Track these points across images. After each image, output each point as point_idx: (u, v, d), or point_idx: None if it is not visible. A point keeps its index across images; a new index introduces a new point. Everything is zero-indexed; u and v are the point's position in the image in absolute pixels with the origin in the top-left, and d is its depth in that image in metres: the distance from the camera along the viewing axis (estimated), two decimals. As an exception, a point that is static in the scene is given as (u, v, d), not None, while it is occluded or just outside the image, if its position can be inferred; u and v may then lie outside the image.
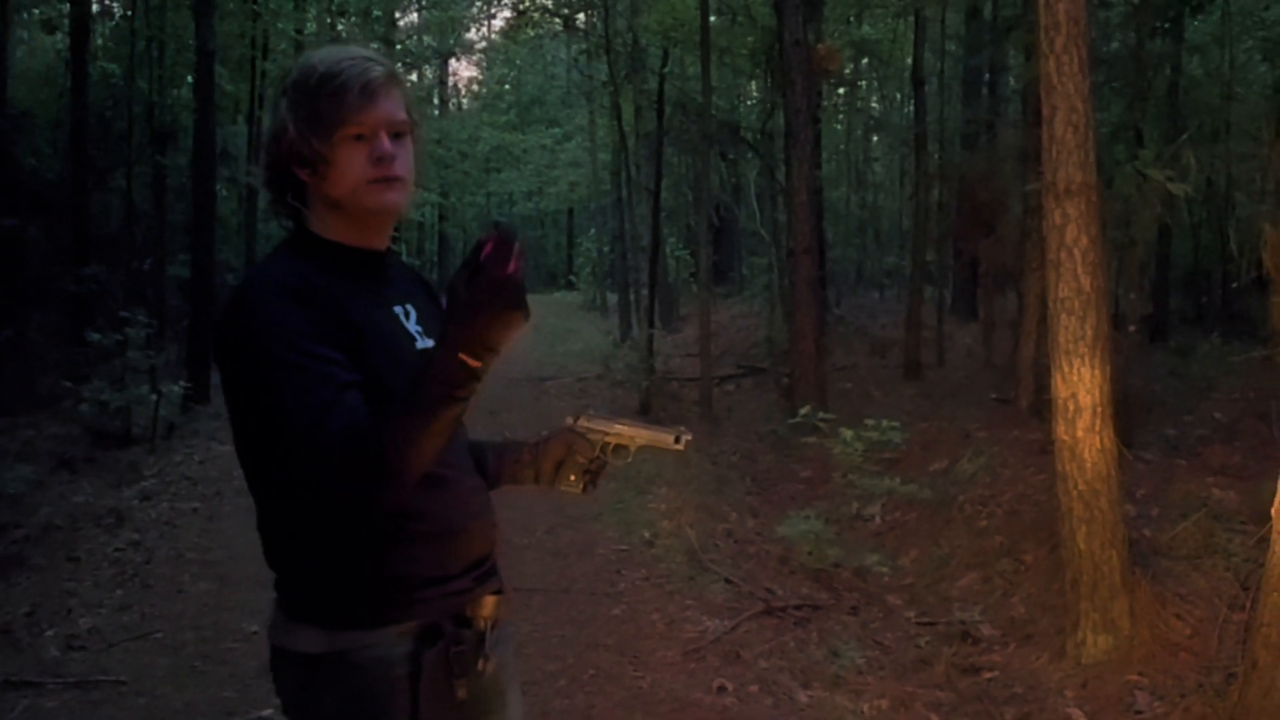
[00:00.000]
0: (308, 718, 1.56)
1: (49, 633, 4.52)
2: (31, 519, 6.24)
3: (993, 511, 5.79)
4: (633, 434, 1.71)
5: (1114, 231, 6.60)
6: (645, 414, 9.04)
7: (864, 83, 17.39)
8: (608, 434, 1.71)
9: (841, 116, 16.86)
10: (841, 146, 18.24)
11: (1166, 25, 8.68)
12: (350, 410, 1.36)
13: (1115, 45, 8.83)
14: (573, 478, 1.74)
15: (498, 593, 1.66)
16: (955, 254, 12.06)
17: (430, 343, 1.60)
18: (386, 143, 1.51)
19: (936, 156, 11.32)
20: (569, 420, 1.78)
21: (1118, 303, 7.34)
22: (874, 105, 19.68)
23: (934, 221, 11.63)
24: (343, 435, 1.33)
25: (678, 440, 1.71)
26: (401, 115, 1.54)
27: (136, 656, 4.29)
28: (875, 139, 18.87)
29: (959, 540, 5.61)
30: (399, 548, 1.52)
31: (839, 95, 13.75)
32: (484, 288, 1.31)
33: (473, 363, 1.32)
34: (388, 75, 1.53)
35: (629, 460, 1.75)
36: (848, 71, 12.56)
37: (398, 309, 1.61)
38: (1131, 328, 6.43)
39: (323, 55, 1.54)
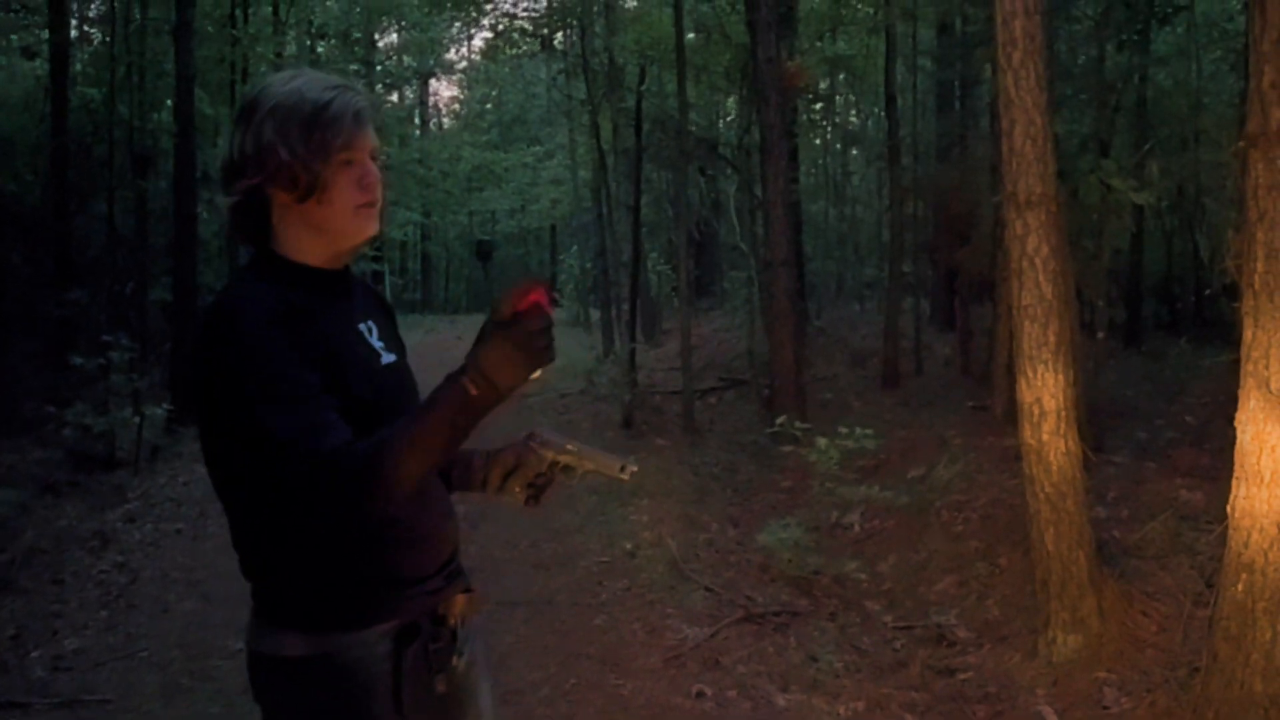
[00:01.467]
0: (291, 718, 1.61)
1: (35, 654, 4.56)
2: (15, 543, 6.25)
3: (968, 516, 5.89)
4: (581, 457, 1.74)
5: (1085, 240, 6.75)
6: (628, 428, 9.12)
7: (840, 98, 17.59)
8: (558, 453, 1.74)
9: (819, 131, 17.02)
10: (820, 161, 18.42)
11: (1134, 38, 8.87)
12: (340, 432, 1.43)
13: (1083, 59, 9.00)
14: (517, 489, 1.77)
15: (467, 590, 1.74)
16: (932, 265, 12.21)
17: (393, 357, 1.70)
18: (374, 168, 1.60)
19: (912, 170, 11.47)
20: (522, 435, 1.81)
21: (1090, 310, 7.50)
22: (852, 120, 19.89)
23: (911, 233, 11.79)
24: (337, 455, 1.39)
25: (623, 470, 1.73)
26: (378, 142, 1.62)
27: (123, 675, 4.33)
28: (854, 152, 19.06)
29: (936, 545, 5.71)
30: (381, 552, 1.58)
31: (815, 110, 13.89)
32: (518, 339, 1.41)
33: (487, 401, 1.41)
34: (369, 103, 1.62)
35: (575, 481, 1.79)
36: (823, 87, 12.73)
37: (361, 326, 1.68)
38: (1100, 334, 6.56)
39: (304, 81, 1.59)
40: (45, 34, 11.70)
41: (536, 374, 1.45)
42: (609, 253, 11.79)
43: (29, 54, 13.29)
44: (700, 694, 3.93)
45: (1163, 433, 7.02)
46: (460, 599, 1.71)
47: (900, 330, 10.77)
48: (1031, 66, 3.99)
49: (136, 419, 8.62)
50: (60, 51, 10.99)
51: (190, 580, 5.60)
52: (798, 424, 6.15)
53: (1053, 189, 4.03)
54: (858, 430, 5.65)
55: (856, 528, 6.41)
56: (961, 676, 4.16)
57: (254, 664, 1.63)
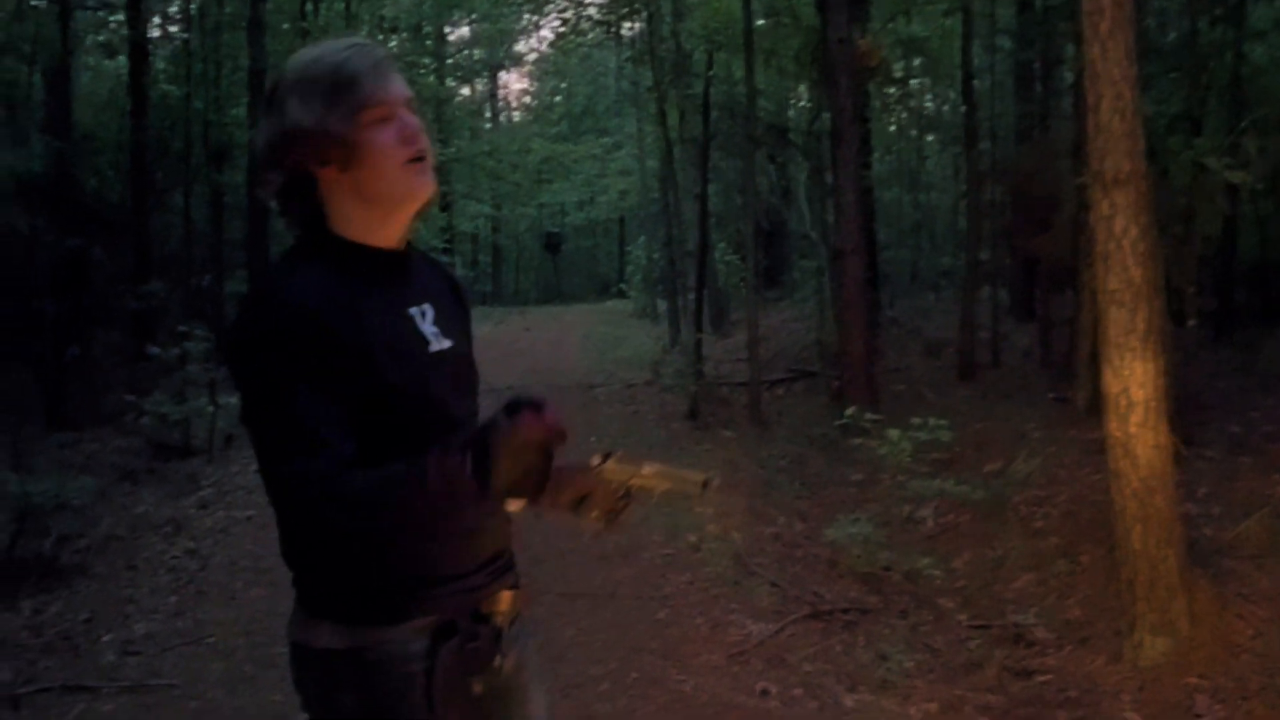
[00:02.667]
0: (327, 712, 1.57)
1: (106, 638, 4.63)
2: (94, 529, 6.40)
3: (1048, 512, 5.67)
4: (658, 479, 1.61)
5: (1175, 225, 6.44)
6: (693, 419, 8.99)
7: (915, 82, 17.19)
8: (633, 477, 1.61)
9: (893, 117, 16.66)
10: (894, 147, 18.03)
11: (1228, 11, 8.45)
12: (330, 455, 1.35)
13: (1173, 35, 8.61)
14: (594, 515, 1.64)
15: (514, 588, 1.66)
16: (1011, 252, 11.84)
17: (448, 344, 1.60)
18: (413, 119, 1.50)
19: (990, 153, 11.13)
20: (594, 460, 1.65)
21: (1178, 297, 7.16)
22: (927, 104, 19.44)
23: (988, 220, 11.43)
24: (310, 478, 1.34)
25: (705, 485, 1.61)
26: (411, 92, 1.53)
27: (189, 661, 4.37)
28: (930, 138, 18.62)
29: (1013, 542, 5.50)
30: (415, 547, 1.51)
31: (889, 94, 13.57)
32: (536, 439, 1.32)
33: (482, 490, 1.30)
34: (389, 56, 1.54)
35: (653, 501, 1.64)
36: (898, 70, 12.41)
37: (414, 310, 1.58)
38: (1191, 322, 6.24)
39: (318, 51, 1.52)
40: (126, 32, 11.97)
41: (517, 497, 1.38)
42: (675, 242, 11.66)
43: (110, 52, 13.63)
44: (764, 692, 3.81)
45: (1258, 426, 6.67)
46: (505, 596, 1.64)
47: (977, 320, 10.45)
48: (1120, 36, 3.77)
49: (211, 408, 8.77)
50: (139, 49, 11.26)
51: (258, 568, 5.64)
52: (868, 415, 5.97)
53: (1142, 166, 3.81)
54: (931, 421, 5.46)
55: (929, 523, 6.21)
56: (1040, 679, 3.98)
57: (291, 653, 1.61)
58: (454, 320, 1.65)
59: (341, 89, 1.46)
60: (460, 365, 1.64)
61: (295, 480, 1.36)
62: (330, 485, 1.34)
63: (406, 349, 1.54)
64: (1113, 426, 3.86)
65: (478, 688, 1.58)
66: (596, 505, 1.62)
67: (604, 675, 4.02)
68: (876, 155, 15.92)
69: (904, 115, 16.03)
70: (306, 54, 1.53)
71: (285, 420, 1.38)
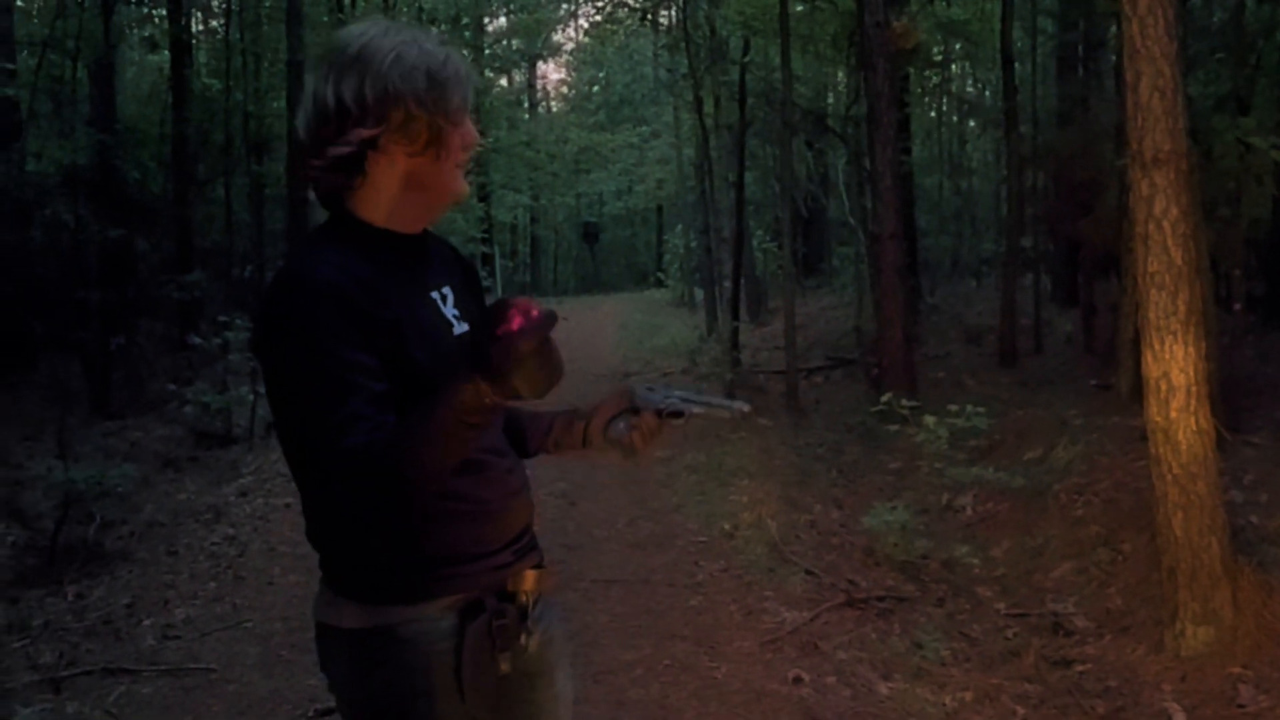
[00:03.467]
0: (354, 692, 1.58)
1: (147, 622, 4.69)
2: (137, 516, 6.50)
3: (1089, 500, 5.56)
4: (688, 402, 1.67)
5: (1221, 208, 6.29)
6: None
7: (954, 66, 16.96)
8: (664, 401, 1.67)
9: (932, 102, 16.45)
10: (934, 132, 17.81)
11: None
12: (373, 427, 1.36)
13: (1218, 16, 8.40)
14: (630, 439, 1.69)
15: (538, 566, 1.68)
16: (1052, 238, 11.65)
17: (466, 327, 1.61)
18: (473, 128, 1.57)
19: (1031, 137, 10.95)
20: (622, 386, 1.75)
21: (1225, 281, 7.00)
22: (968, 89, 19.17)
23: (1030, 205, 11.25)
24: (359, 452, 1.35)
25: (733, 411, 1.68)
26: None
27: (227, 645, 4.42)
28: (971, 124, 18.37)
29: (1054, 530, 5.41)
30: (439, 526, 1.53)
31: (929, 79, 13.39)
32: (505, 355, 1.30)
33: (490, 398, 1.32)
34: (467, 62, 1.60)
35: (684, 425, 1.70)
36: (936, 54, 12.24)
37: (435, 294, 1.61)
38: (1237, 306, 6.10)
39: (411, 36, 1.53)
40: (166, 26, 12.13)
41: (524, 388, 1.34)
42: (712, 230, 11.60)
43: (152, 46, 13.82)
44: (798, 679, 3.78)
45: (1307, 413, 6.52)
46: (530, 575, 1.65)
47: (1019, 306, 10.30)
48: (1160, 12, 3.67)
49: (252, 396, 8.88)
50: (179, 43, 11.41)
51: (295, 554, 5.69)
52: (905, 402, 5.89)
53: (1182, 146, 3.71)
54: (968, 408, 5.39)
55: (968, 511, 6.13)
56: (1079, 669, 3.91)
57: (318, 633, 1.62)
58: (469, 302, 1.67)
59: (443, 83, 1.50)
60: (481, 344, 1.62)
61: (343, 450, 1.35)
62: (372, 454, 1.34)
63: (433, 332, 1.56)
64: (1153, 412, 3.77)
65: (505, 666, 1.59)
66: (634, 427, 1.68)
67: (637, 661, 4.01)
68: (917, 142, 15.73)
69: (944, 100, 15.80)
70: (396, 34, 1.52)
71: (331, 399, 1.38)
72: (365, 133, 1.48)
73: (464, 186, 1.59)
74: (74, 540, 5.82)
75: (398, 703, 1.54)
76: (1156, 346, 3.74)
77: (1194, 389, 3.70)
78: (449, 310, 1.61)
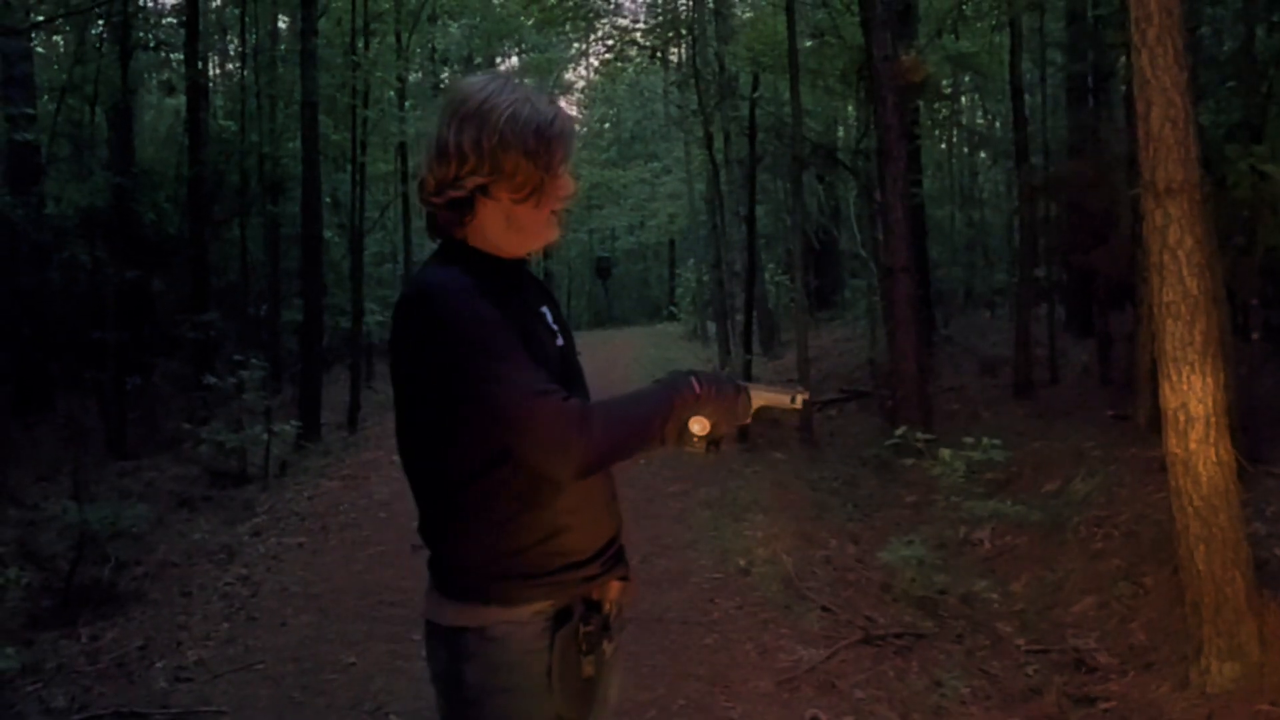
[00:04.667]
0: (453, 685, 1.72)
1: (159, 665, 4.67)
2: (151, 556, 6.49)
3: (1109, 533, 5.50)
4: (753, 393, 1.78)
5: (1237, 236, 6.25)
6: (743, 440, 8.90)
7: (965, 98, 17.01)
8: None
9: (943, 134, 16.48)
10: (946, 164, 17.83)
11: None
12: (559, 391, 1.57)
13: (1228, 46, 8.39)
14: (699, 439, 1.76)
15: (624, 579, 1.82)
16: (1067, 268, 11.60)
17: (563, 341, 1.83)
18: (571, 182, 1.76)
19: (1042, 168, 10.95)
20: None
21: (1243, 310, 6.94)
22: (979, 121, 19.22)
23: (1043, 236, 11.22)
24: (556, 407, 1.54)
25: (794, 400, 1.81)
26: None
27: (239, 688, 4.38)
28: (982, 155, 18.40)
29: (1073, 564, 5.35)
30: (541, 538, 1.69)
31: (938, 111, 13.43)
32: (735, 407, 1.69)
33: (700, 406, 1.66)
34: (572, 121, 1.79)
35: (749, 419, 1.81)
36: (946, 86, 12.28)
37: (541, 310, 1.82)
38: (1255, 335, 6.04)
39: (526, 94, 1.71)
40: (183, 70, 12.29)
41: (702, 440, 1.69)
42: (724, 264, 11.62)
43: (169, 90, 14.01)
44: (815, 719, 3.72)
45: (1330, 442, 6.42)
46: (615, 586, 1.79)
47: (1034, 337, 10.25)
48: (1169, 42, 3.67)
49: (267, 436, 8.90)
50: (196, 87, 11.55)
51: (308, 594, 5.67)
52: (920, 435, 5.84)
53: (1195, 175, 3.69)
54: (984, 440, 5.33)
55: (986, 545, 6.07)
56: (1104, 706, 3.84)
57: (425, 629, 1.78)
58: (560, 321, 1.88)
59: (551, 140, 1.69)
60: (573, 356, 1.88)
61: (544, 409, 1.54)
62: (581, 409, 1.56)
63: (545, 341, 1.76)
64: (1172, 443, 3.72)
65: (589, 669, 1.73)
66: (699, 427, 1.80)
67: (650, 701, 3.95)
68: (929, 174, 15.75)
69: (954, 132, 15.84)
70: (513, 91, 1.71)
71: (517, 368, 1.56)
72: (478, 179, 1.68)
73: (556, 232, 1.78)
74: (88, 581, 5.81)
75: (485, 696, 1.69)
76: (1174, 377, 3.70)
77: (1213, 420, 3.66)
78: (551, 324, 1.82)
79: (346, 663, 4.57)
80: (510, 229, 1.73)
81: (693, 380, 1.67)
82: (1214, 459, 3.66)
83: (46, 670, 4.65)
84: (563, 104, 1.78)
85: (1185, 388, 3.67)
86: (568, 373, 1.80)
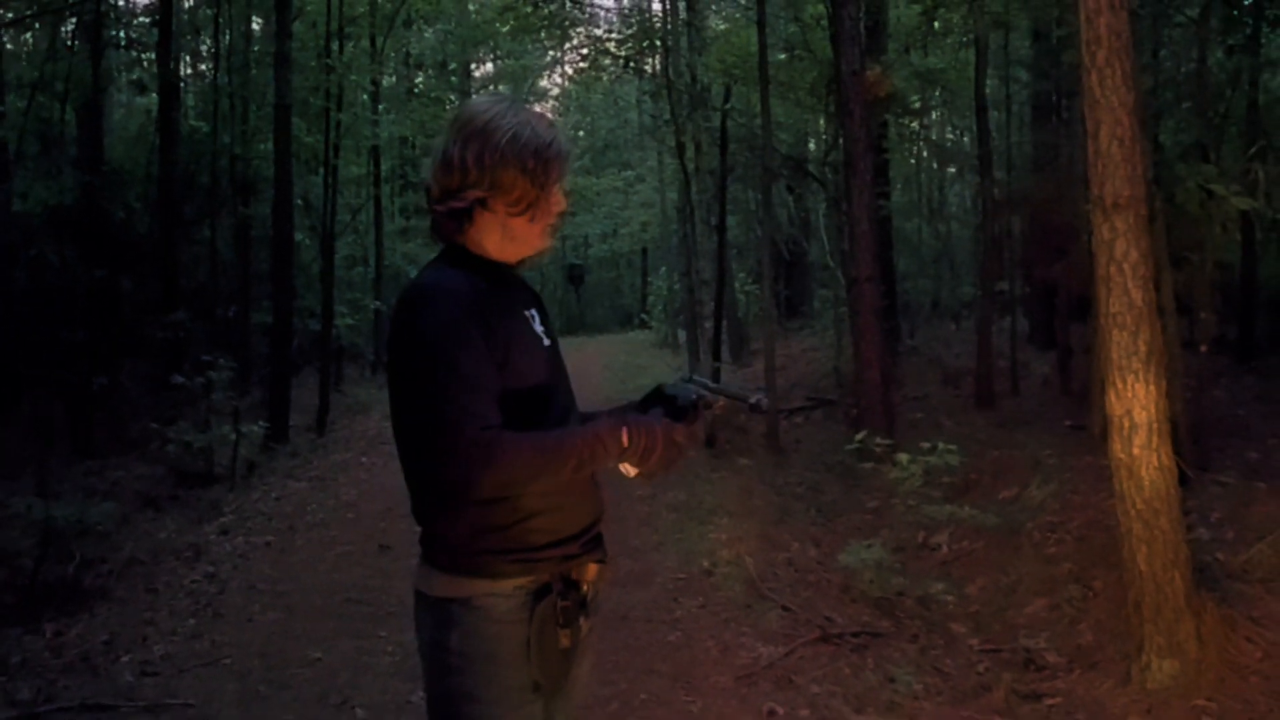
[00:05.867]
0: (438, 651, 1.85)
1: (125, 659, 4.70)
2: (117, 554, 6.49)
3: (1062, 538, 5.64)
4: (717, 392, 1.98)
5: (1189, 252, 6.43)
6: (711, 446, 9.02)
7: (935, 113, 17.27)
8: (699, 392, 1.98)
9: (911, 148, 16.72)
10: (914, 178, 18.08)
11: (1243, 41, 8.48)
12: (485, 424, 1.70)
13: (1185, 69, 8.64)
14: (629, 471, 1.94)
15: (601, 562, 1.96)
16: (1028, 281, 11.83)
17: (549, 342, 1.98)
18: (563, 199, 1.93)
19: (1006, 183, 11.16)
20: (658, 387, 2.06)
21: (1193, 324, 7.14)
22: (949, 136, 19.50)
23: (1008, 249, 11.43)
24: (476, 437, 1.68)
25: (754, 402, 1.98)
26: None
27: (206, 682, 4.43)
28: (951, 169, 18.67)
29: (1027, 568, 5.48)
30: (521, 516, 1.82)
31: (905, 125, 13.65)
32: (671, 441, 1.84)
33: (617, 455, 1.82)
34: (570, 144, 1.97)
35: (711, 415, 2.02)
36: (914, 101, 12.49)
37: (527, 312, 1.95)
38: (1204, 348, 6.23)
39: (528, 117, 1.88)
40: (156, 69, 12.25)
41: (634, 472, 1.88)
42: (694, 273, 11.75)
43: (141, 89, 13.95)
44: (772, 713, 3.83)
45: (1276, 453, 6.63)
46: (593, 567, 1.93)
47: (997, 349, 10.44)
48: (1118, 64, 3.82)
49: (234, 436, 8.90)
50: (167, 86, 11.51)
51: (275, 591, 5.71)
52: (880, 439, 5.97)
53: (1141, 191, 3.85)
54: (940, 445, 5.47)
55: (944, 549, 6.20)
56: (1049, 702, 3.96)
57: (414, 600, 1.91)
58: (548, 324, 2.03)
59: (548, 160, 1.86)
60: (557, 359, 2.01)
61: (462, 435, 1.68)
62: (494, 439, 1.69)
63: (530, 342, 1.90)
64: (1116, 449, 3.87)
65: (566, 641, 1.87)
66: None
67: (613, 696, 4.04)
68: (897, 187, 15.97)
69: (921, 146, 16.08)
70: (517, 114, 1.87)
71: (458, 388, 1.70)
72: (478, 193, 1.85)
73: (548, 242, 1.96)
74: (52, 578, 5.82)
75: (466, 662, 1.82)
76: (1119, 385, 3.85)
77: (1156, 426, 3.80)
78: (537, 326, 1.96)
79: (313, 658, 4.63)
80: (505, 238, 1.90)
81: (623, 432, 1.81)
82: (1156, 464, 3.80)
83: (10, 665, 4.67)
84: (564, 135, 1.93)
85: (1130, 395, 3.82)
86: (553, 373, 1.94)
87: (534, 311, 1.98)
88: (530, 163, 1.83)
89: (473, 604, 1.81)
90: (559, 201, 1.92)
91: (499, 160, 1.83)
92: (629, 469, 1.91)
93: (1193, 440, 6.01)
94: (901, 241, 16.67)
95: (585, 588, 1.91)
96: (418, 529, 1.89)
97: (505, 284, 1.92)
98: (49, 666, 4.65)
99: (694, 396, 1.96)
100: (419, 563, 1.90)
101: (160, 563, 6.35)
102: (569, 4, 11.89)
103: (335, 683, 4.34)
